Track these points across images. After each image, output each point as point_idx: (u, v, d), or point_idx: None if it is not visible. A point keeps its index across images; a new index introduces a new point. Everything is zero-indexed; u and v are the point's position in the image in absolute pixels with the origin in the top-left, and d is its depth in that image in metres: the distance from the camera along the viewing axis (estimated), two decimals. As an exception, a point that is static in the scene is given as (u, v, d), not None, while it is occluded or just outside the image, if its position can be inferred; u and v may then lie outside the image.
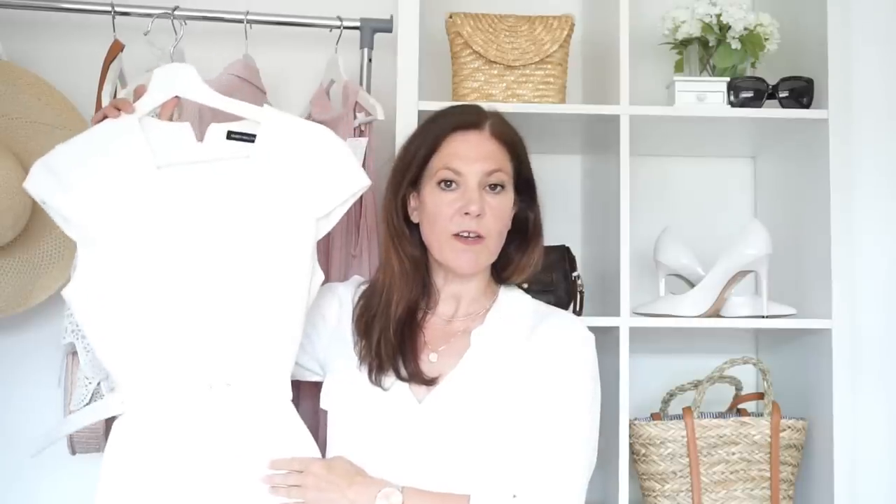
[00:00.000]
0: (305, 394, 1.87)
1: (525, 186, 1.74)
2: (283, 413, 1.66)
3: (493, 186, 1.68)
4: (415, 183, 1.71)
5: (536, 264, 1.76)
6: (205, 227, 1.65)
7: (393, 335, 1.68)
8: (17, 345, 2.28)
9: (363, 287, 1.79)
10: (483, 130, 1.70)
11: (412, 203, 1.73)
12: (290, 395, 1.67)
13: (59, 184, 1.64)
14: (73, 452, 1.99)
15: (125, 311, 1.62)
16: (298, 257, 1.67)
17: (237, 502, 1.62)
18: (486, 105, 1.78)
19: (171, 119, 1.73)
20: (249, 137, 1.70)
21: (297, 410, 1.68)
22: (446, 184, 1.67)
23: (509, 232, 1.73)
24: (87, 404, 1.88)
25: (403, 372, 1.66)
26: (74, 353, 1.90)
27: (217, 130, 1.70)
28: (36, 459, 2.23)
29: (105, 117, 1.69)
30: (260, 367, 1.65)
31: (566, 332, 1.70)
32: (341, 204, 1.72)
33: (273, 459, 1.63)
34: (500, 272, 1.76)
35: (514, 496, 1.58)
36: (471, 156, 1.68)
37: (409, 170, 1.71)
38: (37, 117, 2.14)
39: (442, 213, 1.67)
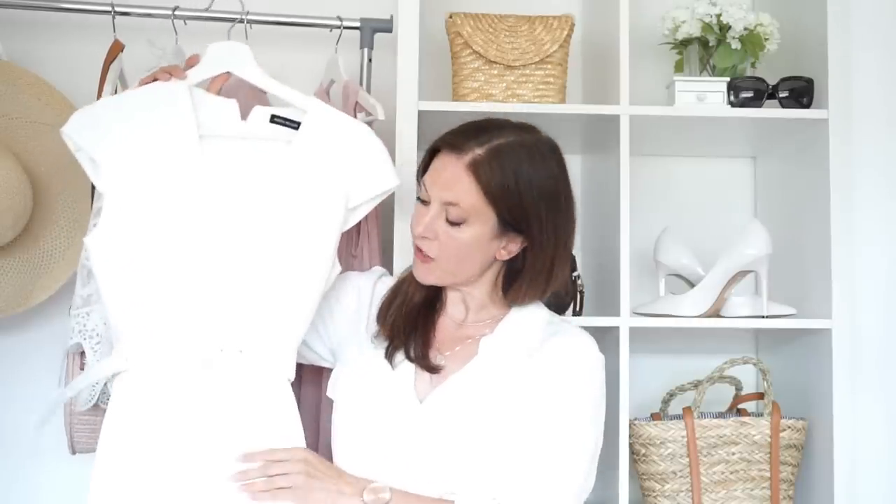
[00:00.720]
0: (307, 379, 1.89)
1: (518, 228, 1.64)
2: (279, 392, 1.66)
3: (450, 219, 1.63)
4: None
5: (541, 296, 1.71)
6: (237, 199, 1.68)
7: (407, 315, 1.70)
8: (17, 345, 2.28)
9: (385, 277, 1.81)
10: (461, 158, 1.61)
11: None
12: (292, 375, 1.68)
13: (97, 131, 1.66)
14: (74, 452, 1.99)
15: (144, 266, 1.63)
16: (324, 240, 1.70)
17: (221, 471, 1.61)
18: (522, 112, 1.75)
19: (218, 93, 1.76)
20: (292, 123, 1.74)
21: (299, 395, 1.70)
22: (421, 198, 1.68)
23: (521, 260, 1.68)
24: (93, 405, 1.88)
25: (412, 352, 1.67)
26: (77, 353, 1.89)
27: (261, 112, 1.74)
28: (36, 459, 2.25)
29: (155, 80, 1.71)
30: (266, 342, 1.66)
31: (575, 350, 1.67)
32: (370, 200, 1.76)
33: (246, 453, 1.59)
34: (506, 292, 1.72)
35: (494, 499, 1.57)
36: (438, 180, 1.64)
37: (418, 172, 1.72)
38: (37, 117, 2.14)
39: (412, 224, 1.69)
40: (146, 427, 1.61)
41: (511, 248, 1.66)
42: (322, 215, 1.71)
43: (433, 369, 1.66)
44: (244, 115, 1.74)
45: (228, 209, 1.67)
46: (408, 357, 1.67)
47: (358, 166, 1.75)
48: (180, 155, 1.67)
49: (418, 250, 1.67)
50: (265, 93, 1.92)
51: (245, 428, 1.63)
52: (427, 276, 1.69)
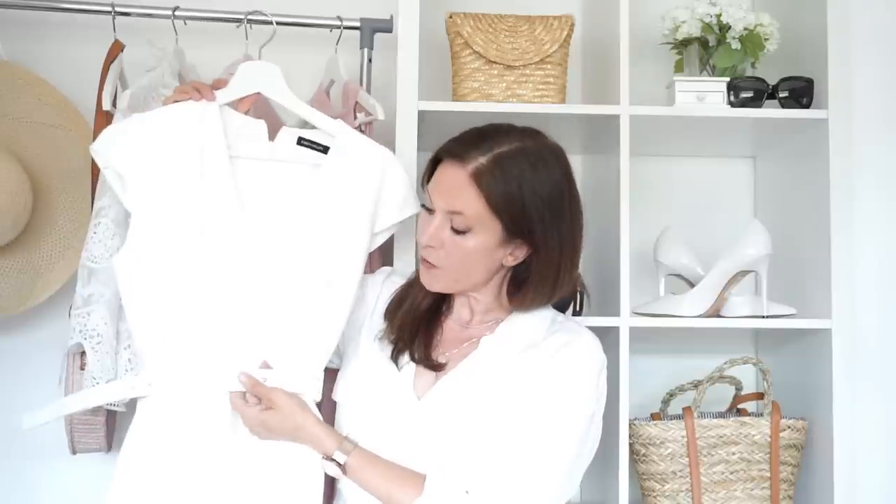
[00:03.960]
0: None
1: (523, 236, 1.62)
2: None
3: (455, 227, 1.62)
4: None
5: (547, 301, 1.70)
6: (267, 222, 1.68)
7: (414, 320, 1.70)
8: (17, 345, 2.28)
9: (393, 276, 1.82)
10: (464, 167, 1.60)
11: None
12: (318, 397, 1.68)
13: (126, 148, 1.66)
14: (74, 452, 1.99)
15: (169, 289, 1.62)
16: (352, 265, 1.71)
17: (248, 495, 1.62)
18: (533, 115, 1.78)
19: (246, 113, 1.76)
20: (319, 147, 1.75)
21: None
22: (426, 206, 1.67)
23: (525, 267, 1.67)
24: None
25: (415, 354, 1.68)
26: (77, 353, 1.89)
27: (288, 134, 1.75)
28: (36, 459, 2.25)
29: (186, 97, 1.71)
30: (295, 366, 1.66)
31: (574, 346, 1.67)
32: (393, 225, 1.79)
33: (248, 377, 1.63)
34: (511, 298, 1.71)
35: (467, 492, 1.56)
36: (440, 189, 1.63)
37: (423, 180, 1.71)
38: (37, 117, 2.14)
39: (418, 233, 1.69)
40: (172, 455, 1.60)
41: (517, 254, 1.66)
42: (350, 240, 1.72)
43: (436, 367, 1.67)
44: (271, 130, 1.74)
45: (259, 232, 1.67)
46: (412, 358, 1.68)
47: (384, 193, 1.76)
48: (212, 176, 1.66)
49: (424, 259, 1.67)
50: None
51: (273, 452, 1.64)
52: (433, 284, 1.69)
